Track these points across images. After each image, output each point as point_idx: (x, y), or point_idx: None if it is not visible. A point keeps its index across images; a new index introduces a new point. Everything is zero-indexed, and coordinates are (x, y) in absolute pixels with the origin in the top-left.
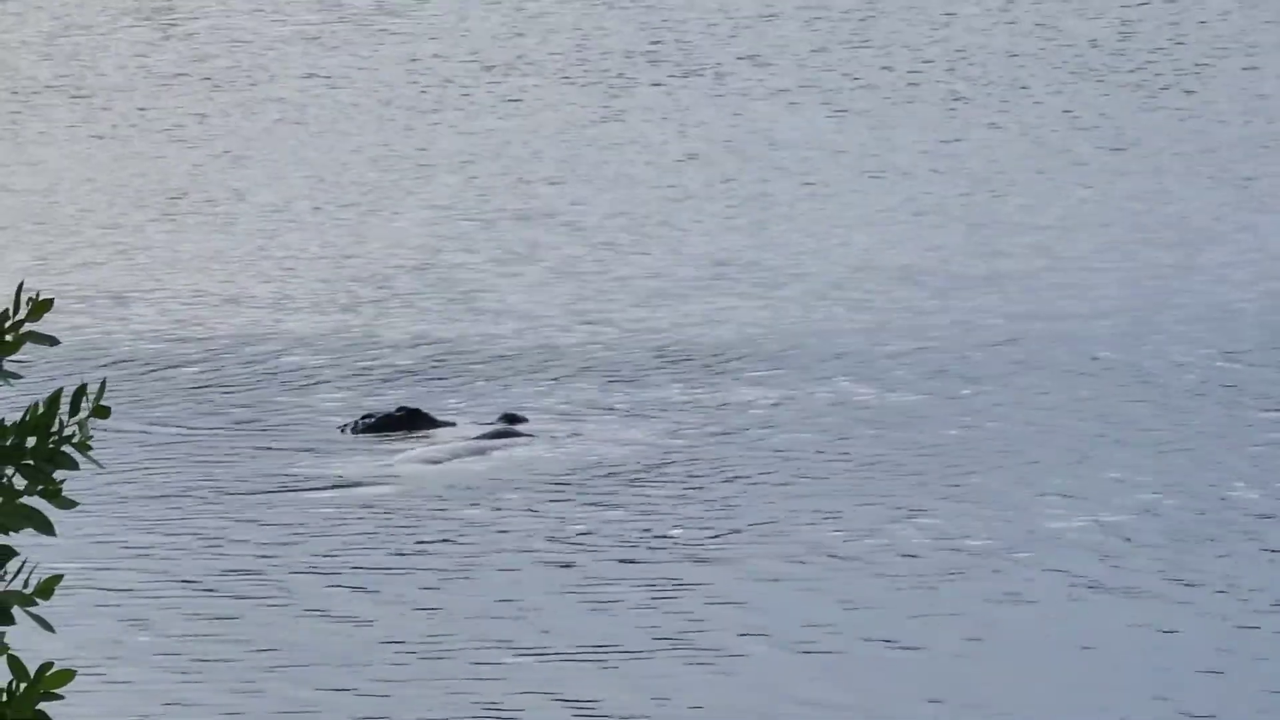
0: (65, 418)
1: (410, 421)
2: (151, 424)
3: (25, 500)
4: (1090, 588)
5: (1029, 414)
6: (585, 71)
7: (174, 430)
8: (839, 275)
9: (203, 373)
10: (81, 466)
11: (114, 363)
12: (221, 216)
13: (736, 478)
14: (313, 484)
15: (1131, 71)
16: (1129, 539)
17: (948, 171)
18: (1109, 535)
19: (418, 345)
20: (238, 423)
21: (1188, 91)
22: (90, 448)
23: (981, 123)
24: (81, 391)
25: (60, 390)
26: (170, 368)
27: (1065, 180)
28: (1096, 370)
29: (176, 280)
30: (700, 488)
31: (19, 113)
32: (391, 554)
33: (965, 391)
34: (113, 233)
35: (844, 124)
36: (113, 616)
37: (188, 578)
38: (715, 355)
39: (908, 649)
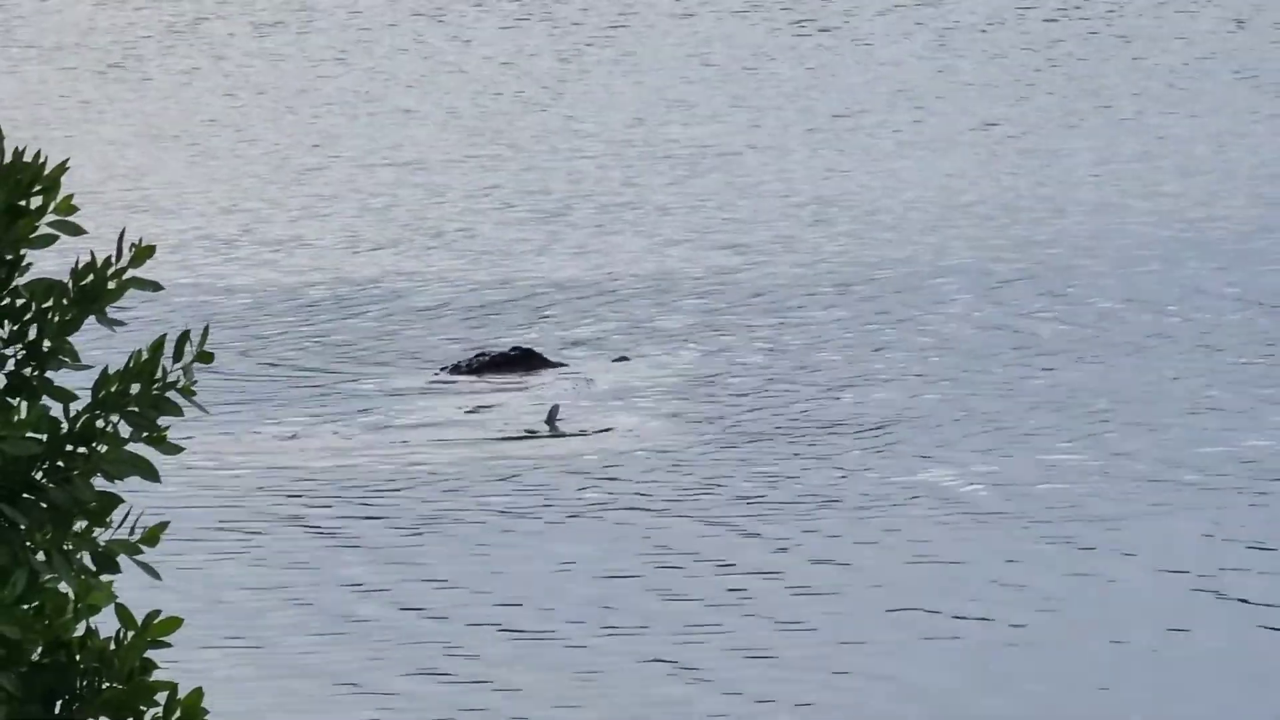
0: (169, 364)
1: (524, 362)
2: (261, 365)
3: (130, 447)
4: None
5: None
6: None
7: (283, 371)
8: (940, 210)
9: (316, 315)
10: (186, 412)
11: (225, 306)
12: (343, 161)
13: (860, 428)
14: (424, 423)
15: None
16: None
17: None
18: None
19: (534, 287)
20: (351, 362)
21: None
22: (194, 393)
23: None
24: (185, 337)
25: (163, 336)
26: (283, 310)
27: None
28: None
29: (295, 223)
30: (824, 428)
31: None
32: (505, 493)
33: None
34: (220, 176)
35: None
36: (222, 561)
37: (297, 520)
38: (810, 296)
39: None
